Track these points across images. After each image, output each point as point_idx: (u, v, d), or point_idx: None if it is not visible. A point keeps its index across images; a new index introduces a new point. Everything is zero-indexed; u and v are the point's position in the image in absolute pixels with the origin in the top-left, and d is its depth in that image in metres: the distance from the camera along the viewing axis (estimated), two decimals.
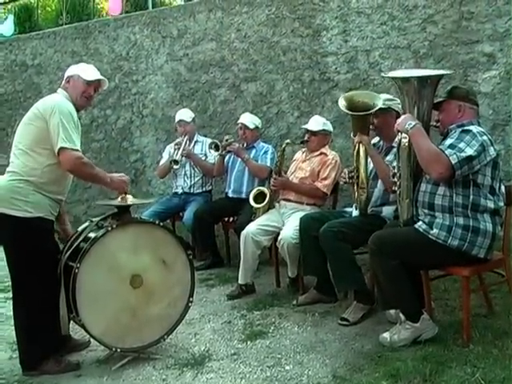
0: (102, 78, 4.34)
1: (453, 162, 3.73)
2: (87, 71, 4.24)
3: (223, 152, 6.61)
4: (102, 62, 9.29)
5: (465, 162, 3.76)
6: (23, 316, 4.01)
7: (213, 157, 7.00)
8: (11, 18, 11.14)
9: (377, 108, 4.66)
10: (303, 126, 5.92)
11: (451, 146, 3.81)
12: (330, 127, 5.82)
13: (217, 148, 6.68)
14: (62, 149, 3.86)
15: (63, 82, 4.22)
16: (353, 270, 4.68)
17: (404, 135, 4.00)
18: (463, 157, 3.75)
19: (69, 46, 9.65)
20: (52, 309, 4.00)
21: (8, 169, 4.02)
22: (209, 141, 7.19)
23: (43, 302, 3.97)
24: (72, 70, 4.24)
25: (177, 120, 7.23)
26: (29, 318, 3.98)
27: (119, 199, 4.23)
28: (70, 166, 3.95)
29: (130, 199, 4.24)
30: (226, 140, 6.55)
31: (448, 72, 4.16)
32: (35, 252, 3.93)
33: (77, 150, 3.93)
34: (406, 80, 4.05)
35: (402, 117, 4.03)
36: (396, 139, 4.62)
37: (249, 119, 6.70)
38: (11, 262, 4.02)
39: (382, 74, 4.36)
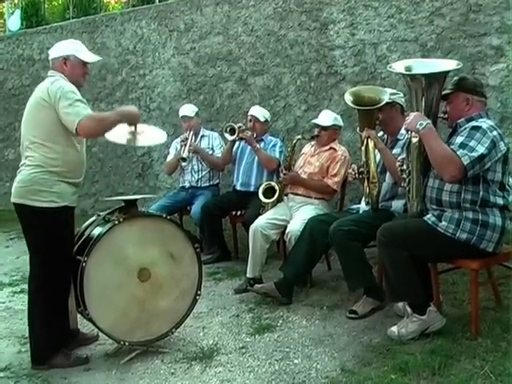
0: (99, 58, 4.34)
1: (465, 164, 3.70)
2: (81, 50, 4.16)
3: (237, 137, 6.55)
4: (109, 56, 9.32)
5: (477, 162, 3.73)
6: (41, 310, 3.98)
7: (219, 150, 7.02)
8: (18, 12, 11.15)
9: (384, 102, 4.64)
10: (313, 121, 5.88)
11: (462, 145, 3.77)
12: (340, 122, 5.80)
13: (232, 132, 6.55)
14: (78, 125, 3.79)
15: (57, 62, 4.10)
16: (363, 268, 4.68)
17: (414, 134, 3.96)
18: (475, 157, 3.71)
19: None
20: (66, 302, 4.03)
21: (27, 162, 3.97)
22: (215, 134, 7.19)
23: (61, 294, 3.99)
24: (63, 50, 4.12)
25: (180, 116, 7.20)
26: (46, 312, 3.96)
27: (132, 129, 4.15)
28: (88, 133, 3.96)
29: (141, 128, 4.21)
30: (239, 127, 6.50)
31: (457, 66, 4.07)
32: (60, 243, 3.96)
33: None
34: (413, 76, 4.02)
35: (412, 115, 3.95)
36: (402, 131, 4.62)
37: (259, 112, 6.68)
38: (36, 254, 4.00)
39: (388, 67, 4.31)
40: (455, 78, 4.15)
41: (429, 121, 3.86)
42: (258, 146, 6.43)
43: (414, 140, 3.96)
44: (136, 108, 4.26)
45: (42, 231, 3.94)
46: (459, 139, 3.84)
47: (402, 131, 4.70)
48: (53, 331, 3.99)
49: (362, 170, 4.75)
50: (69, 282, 4.04)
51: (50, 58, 4.18)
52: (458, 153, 3.73)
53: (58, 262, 3.95)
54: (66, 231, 4.05)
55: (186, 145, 6.90)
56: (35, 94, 4.03)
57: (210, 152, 7.06)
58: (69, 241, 4.08)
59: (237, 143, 6.72)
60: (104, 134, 4.05)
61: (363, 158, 4.72)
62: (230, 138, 6.61)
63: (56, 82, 3.99)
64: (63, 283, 4.00)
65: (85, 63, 4.17)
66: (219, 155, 6.99)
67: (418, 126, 3.85)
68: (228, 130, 6.60)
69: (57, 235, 3.94)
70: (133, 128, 4.16)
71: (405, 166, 4.14)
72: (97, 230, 4.11)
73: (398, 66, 4.19)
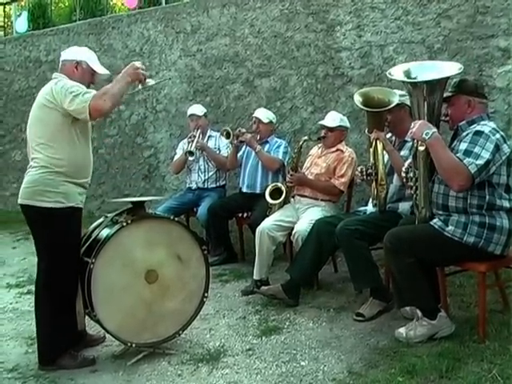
0: (108, 72, 4.39)
1: (472, 172, 3.69)
2: (94, 60, 4.25)
3: (234, 141, 6.59)
4: (116, 57, 9.33)
5: (483, 169, 3.72)
6: (47, 311, 3.99)
7: (226, 150, 7.03)
8: (25, 14, 11.19)
9: (394, 104, 4.62)
10: (320, 122, 5.87)
11: (467, 153, 3.74)
12: (346, 123, 5.80)
13: (228, 135, 6.71)
14: (89, 108, 3.82)
15: (68, 64, 4.15)
16: (370, 268, 4.67)
17: (420, 142, 3.91)
18: (481, 164, 3.70)
19: (82, 42, 9.65)
20: (73, 303, 4.03)
21: (33, 164, 4.00)
22: None
23: (67, 295, 4.00)
24: (77, 54, 4.19)
25: (188, 114, 7.25)
26: (53, 312, 3.97)
27: (140, 87, 4.17)
28: (101, 111, 3.93)
29: (150, 82, 4.19)
30: (239, 131, 6.54)
31: (459, 71, 4.01)
32: (67, 244, 3.97)
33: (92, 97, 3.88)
34: (414, 84, 3.97)
35: (418, 124, 3.87)
36: (409, 135, 4.61)
37: (263, 113, 6.69)
38: (43, 255, 4.01)
39: (387, 74, 4.26)
40: (455, 80, 4.11)
41: (435, 129, 3.81)
42: (258, 147, 6.43)
43: (421, 148, 3.92)
44: (133, 63, 4.19)
45: (48, 232, 3.95)
46: (463, 145, 3.82)
47: None
48: (60, 332, 3.99)
49: (370, 171, 4.72)
50: (76, 283, 4.04)
51: (61, 58, 4.22)
52: (464, 161, 3.70)
53: (64, 263, 3.95)
54: (72, 232, 4.05)
55: (193, 141, 6.96)
56: (39, 96, 4.07)
57: (217, 152, 7.07)
58: (75, 242, 4.08)
59: (243, 147, 6.73)
60: (116, 107, 4.07)
61: (371, 160, 4.70)
62: (226, 141, 6.83)
63: (59, 82, 4.02)
64: (69, 284, 4.01)
65: (94, 73, 4.23)
66: (226, 155, 7.00)
67: (424, 136, 3.79)
68: (224, 134, 6.79)
69: (63, 236, 3.95)
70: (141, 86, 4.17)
71: (411, 174, 4.10)
72: (105, 232, 4.12)
73: (398, 72, 4.13)
